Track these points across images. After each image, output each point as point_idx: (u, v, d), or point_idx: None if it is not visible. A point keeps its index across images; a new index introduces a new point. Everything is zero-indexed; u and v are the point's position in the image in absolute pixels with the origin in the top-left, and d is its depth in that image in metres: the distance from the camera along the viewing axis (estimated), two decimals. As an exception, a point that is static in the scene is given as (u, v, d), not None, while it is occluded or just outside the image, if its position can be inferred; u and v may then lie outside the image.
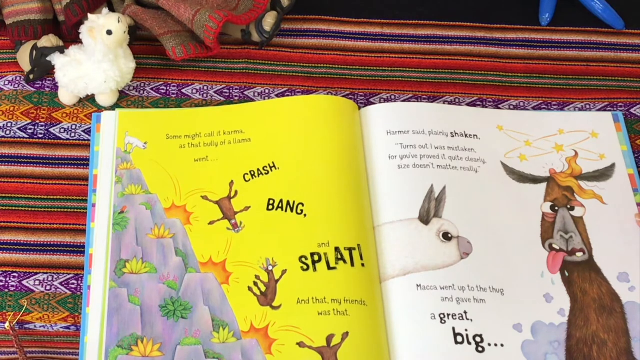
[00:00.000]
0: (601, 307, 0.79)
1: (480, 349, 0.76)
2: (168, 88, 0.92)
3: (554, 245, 0.82)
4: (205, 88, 0.92)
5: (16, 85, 0.91)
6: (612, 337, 0.77)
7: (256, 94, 0.92)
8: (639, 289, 0.79)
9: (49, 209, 0.84)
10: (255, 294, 0.78)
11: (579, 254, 0.81)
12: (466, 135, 0.87)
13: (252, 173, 0.84)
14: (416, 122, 0.87)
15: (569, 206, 0.84)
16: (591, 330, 0.77)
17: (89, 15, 0.86)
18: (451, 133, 0.87)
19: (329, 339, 0.75)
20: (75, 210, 0.84)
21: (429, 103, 0.91)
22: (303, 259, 0.79)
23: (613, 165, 0.87)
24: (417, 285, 0.78)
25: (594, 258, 0.81)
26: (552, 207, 0.84)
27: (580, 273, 0.80)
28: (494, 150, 0.87)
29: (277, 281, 0.78)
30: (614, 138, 0.89)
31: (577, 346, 0.77)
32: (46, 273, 0.81)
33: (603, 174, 0.86)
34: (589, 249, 0.82)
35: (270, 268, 0.79)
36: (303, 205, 0.81)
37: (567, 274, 0.80)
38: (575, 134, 0.89)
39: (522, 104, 0.93)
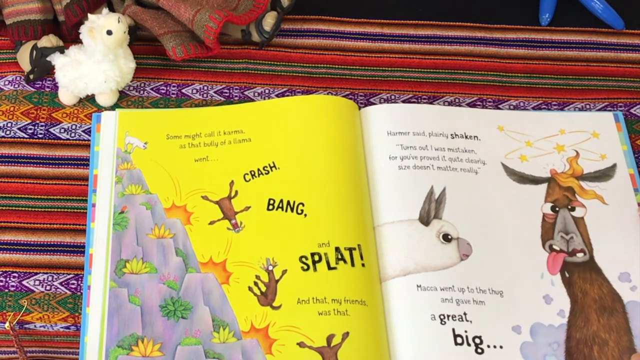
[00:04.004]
0: (602, 308, 0.79)
1: (479, 350, 0.76)
2: (168, 88, 0.92)
3: (554, 246, 0.82)
4: (205, 88, 0.92)
5: (16, 85, 0.91)
6: (613, 337, 0.77)
7: (256, 94, 0.92)
8: (640, 288, 0.80)
9: (49, 209, 0.84)
10: (255, 294, 0.78)
11: (580, 255, 0.81)
12: (466, 137, 0.87)
13: (252, 173, 0.84)
14: (416, 124, 0.87)
15: (569, 207, 0.84)
16: (591, 330, 0.77)
17: (89, 15, 0.86)
18: (451, 134, 0.87)
19: (329, 339, 0.75)
20: (75, 210, 0.84)
21: (429, 104, 0.91)
22: (303, 259, 0.79)
23: (614, 166, 0.87)
24: (418, 286, 0.78)
25: (594, 258, 0.81)
26: (552, 208, 0.84)
27: (580, 274, 0.80)
28: (495, 151, 0.87)
29: (277, 281, 0.78)
30: (615, 138, 0.89)
31: (577, 347, 0.77)
32: (46, 273, 0.81)
33: (604, 174, 0.86)
34: (589, 250, 0.82)
35: (270, 268, 0.79)
36: (303, 205, 0.81)
37: (567, 274, 0.80)
38: (576, 134, 0.89)
39: (522, 104, 0.93)
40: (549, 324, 0.78)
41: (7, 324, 0.78)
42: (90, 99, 0.90)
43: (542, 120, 0.90)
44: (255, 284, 0.78)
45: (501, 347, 0.76)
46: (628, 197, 0.85)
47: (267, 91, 0.93)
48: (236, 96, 0.92)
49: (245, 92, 0.92)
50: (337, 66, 0.95)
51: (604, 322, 0.78)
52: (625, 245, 0.82)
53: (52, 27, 0.92)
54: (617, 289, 0.79)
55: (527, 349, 0.76)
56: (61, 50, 0.88)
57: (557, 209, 0.84)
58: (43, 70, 0.90)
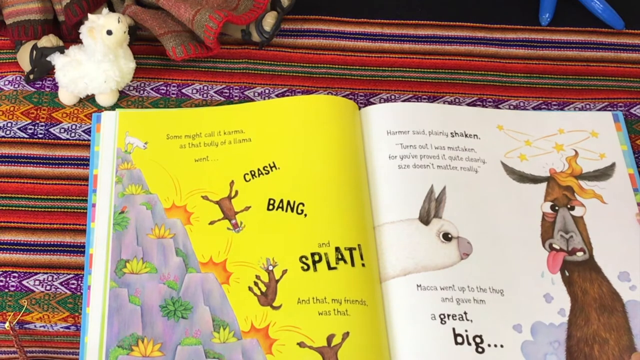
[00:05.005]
0: (602, 307, 0.79)
1: (480, 349, 0.76)
2: (168, 88, 0.92)
3: (554, 245, 0.82)
4: (205, 88, 0.92)
5: (16, 85, 0.91)
6: (613, 336, 0.77)
7: (256, 94, 0.92)
8: None
9: (49, 209, 0.84)
10: (255, 294, 0.78)
11: (580, 254, 0.81)
12: (466, 135, 0.87)
13: (253, 173, 0.84)
14: (416, 122, 0.87)
15: (569, 206, 0.84)
16: (592, 329, 0.77)
17: (89, 15, 0.86)
18: (451, 133, 0.87)
19: (330, 338, 0.75)
20: (75, 210, 0.84)
21: (429, 103, 0.91)
22: (303, 259, 0.79)
23: (613, 165, 0.87)
24: (418, 286, 0.78)
25: (594, 257, 0.81)
26: (552, 207, 0.84)
27: (580, 273, 0.80)
28: (494, 150, 0.87)
29: (277, 281, 0.78)
30: (614, 137, 0.89)
31: (578, 346, 0.77)
32: (46, 273, 0.81)
33: (603, 174, 0.86)
34: (589, 249, 0.82)
35: (270, 268, 0.79)
36: (303, 205, 0.81)
37: (567, 273, 0.80)
38: (575, 134, 0.89)
39: (522, 104, 0.93)
40: (549, 323, 0.78)
41: (7, 324, 0.78)
42: (90, 99, 0.90)
43: (541, 119, 0.90)
44: (256, 284, 0.78)
45: (502, 346, 0.76)
46: (627, 197, 0.85)
47: (267, 91, 0.93)
48: (236, 96, 0.92)
49: (245, 92, 0.92)
50: (337, 66, 0.95)
51: (604, 321, 0.78)
52: (625, 245, 0.82)
53: (52, 27, 0.92)
54: (616, 288, 0.79)
55: (527, 348, 0.76)
56: (61, 50, 0.88)
57: (556, 208, 0.84)
58: (43, 70, 0.90)
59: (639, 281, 0.80)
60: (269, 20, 0.94)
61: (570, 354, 0.76)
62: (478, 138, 0.87)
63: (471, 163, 0.85)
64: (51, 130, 0.89)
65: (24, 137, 0.88)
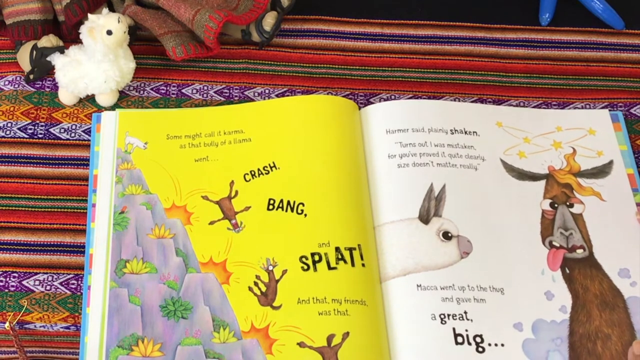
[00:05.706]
0: (603, 303, 0.78)
1: (480, 349, 0.75)
2: (168, 88, 0.92)
3: (554, 243, 0.82)
4: (205, 88, 0.92)
5: (16, 85, 0.91)
6: (616, 332, 0.77)
7: (256, 94, 0.92)
8: (640, 284, 0.80)
9: (49, 209, 0.84)
10: (255, 294, 0.78)
11: (579, 251, 0.81)
12: (466, 132, 0.87)
13: (253, 173, 0.84)
14: (415, 120, 0.87)
15: (568, 203, 0.84)
16: (594, 325, 0.77)
17: (89, 15, 0.86)
18: (451, 130, 0.87)
19: (330, 338, 0.75)
20: (75, 210, 0.84)
21: (427, 99, 0.91)
22: (303, 259, 0.79)
23: (611, 162, 0.87)
24: (418, 286, 0.78)
25: (594, 254, 0.81)
26: (551, 204, 0.84)
27: (580, 270, 0.80)
28: (494, 147, 0.87)
29: (277, 281, 0.78)
30: (611, 135, 0.89)
31: (581, 342, 0.77)
32: (46, 273, 0.81)
33: (601, 171, 0.86)
34: (589, 246, 0.82)
35: (270, 268, 0.79)
36: (303, 205, 0.81)
37: (567, 271, 0.80)
38: (572, 131, 0.89)
39: (522, 104, 0.93)
40: (551, 320, 0.77)
41: (7, 324, 0.78)
42: (90, 99, 0.90)
43: (540, 117, 0.90)
44: (256, 284, 0.78)
45: (502, 345, 0.76)
46: (626, 194, 0.85)
47: (267, 91, 0.93)
48: (236, 96, 0.92)
49: (245, 92, 0.92)
50: (337, 66, 0.95)
51: (606, 317, 0.78)
52: (624, 242, 0.82)
53: (52, 27, 0.92)
54: (617, 285, 0.79)
55: (529, 346, 0.76)
56: (61, 50, 0.88)
57: (555, 205, 0.84)
58: (43, 70, 0.90)
59: (639, 277, 0.80)
60: (269, 20, 0.94)
61: (574, 350, 0.76)
62: (477, 135, 0.87)
63: (471, 160, 0.85)
64: (51, 130, 0.89)
65: (24, 137, 0.88)
